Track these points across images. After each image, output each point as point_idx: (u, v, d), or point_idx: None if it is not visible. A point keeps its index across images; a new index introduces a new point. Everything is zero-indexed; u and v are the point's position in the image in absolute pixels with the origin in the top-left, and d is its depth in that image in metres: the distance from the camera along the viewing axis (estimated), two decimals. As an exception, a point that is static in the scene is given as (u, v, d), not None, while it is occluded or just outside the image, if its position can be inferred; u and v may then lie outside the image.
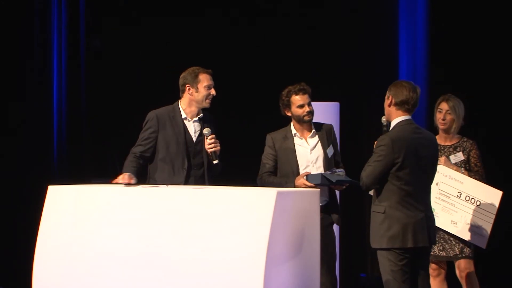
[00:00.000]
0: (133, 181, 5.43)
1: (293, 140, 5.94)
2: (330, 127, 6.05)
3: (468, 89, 7.35)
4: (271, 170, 5.93)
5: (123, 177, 5.42)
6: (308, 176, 5.72)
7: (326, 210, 5.88)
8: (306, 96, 5.90)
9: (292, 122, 5.99)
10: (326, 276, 5.76)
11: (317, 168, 5.90)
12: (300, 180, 5.72)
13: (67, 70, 8.36)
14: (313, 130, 5.97)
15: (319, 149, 5.94)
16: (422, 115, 6.56)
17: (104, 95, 8.35)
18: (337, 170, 5.82)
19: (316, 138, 5.96)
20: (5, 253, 7.79)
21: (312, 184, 5.68)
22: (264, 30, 8.34)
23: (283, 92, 5.95)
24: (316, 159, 5.92)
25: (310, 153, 5.93)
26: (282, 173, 5.91)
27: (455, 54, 7.59)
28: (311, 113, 5.91)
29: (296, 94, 5.89)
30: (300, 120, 5.92)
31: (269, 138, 6.01)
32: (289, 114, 5.96)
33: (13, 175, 7.93)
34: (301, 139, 5.95)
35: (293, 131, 5.97)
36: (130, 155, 5.74)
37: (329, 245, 5.86)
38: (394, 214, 5.15)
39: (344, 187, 5.86)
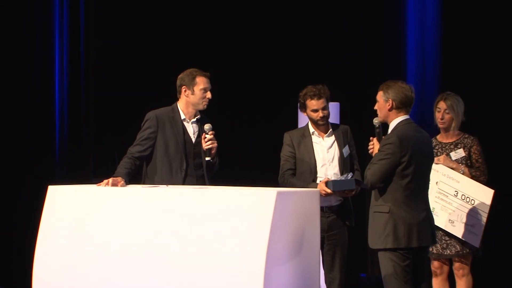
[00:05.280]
0: (119, 186, 5.43)
1: (311, 139, 5.98)
2: (346, 128, 6.09)
3: (478, 88, 7.37)
4: (292, 168, 5.96)
5: (107, 182, 5.42)
6: (328, 183, 5.74)
7: (340, 210, 5.91)
8: (321, 101, 5.90)
9: (309, 121, 6.03)
10: (336, 272, 5.88)
11: (334, 167, 5.93)
12: (321, 186, 5.73)
13: (68, 70, 8.36)
14: (330, 130, 6.01)
15: (335, 148, 5.97)
16: (431, 114, 6.55)
17: (105, 95, 8.35)
18: (349, 175, 5.83)
19: (333, 137, 6.00)
20: (5, 253, 7.79)
21: (331, 191, 5.70)
22: (265, 30, 8.34)
23: (300, 93, 5.97)
24: (333, 158, 5.94)
25: (327, 152, 5.96)
26: (299, 171, 5.94)
27: (465, 52, 7.60)
28: (325, 117, 5.94)
29: (311, 98, 5.90)
30: (315, 123, 5.96)
31: (287, 136, 6.04)
32: (305, 114, 6.00)
33: (13, 175, 7.93)
34: (319, 137, 5.98)
35: (311, 129, 6.00)
36: (126, 156, 5.74)
37: (343, 245, 5.91)
38: (399, 213, 5.15)
39: (353, 192, 5.86)
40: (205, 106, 5.82)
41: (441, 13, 7.86)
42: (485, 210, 6.11)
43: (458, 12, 7.68)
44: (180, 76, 5.85)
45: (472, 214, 6.11)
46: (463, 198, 6.14)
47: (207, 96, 5.80)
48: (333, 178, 5.87)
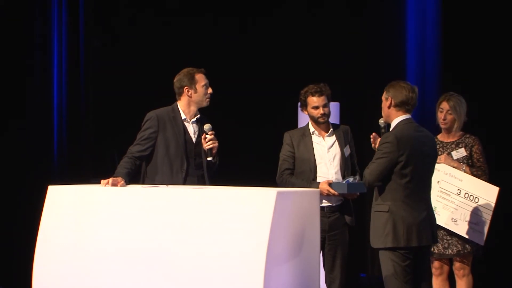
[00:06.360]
0: (119, 186, 5.43)
1: (311, 138, 5.98)
2: (347, 128, 6.10)
3: (478, 87, 7.37)
4: (291, 168, 5.96)
5: (108, 182, 5.42)
6: (333, 184, 5.75)
7: (341, 210, 5.92)
8: (322, 98, 5.91)
9: (309, 121, 6.02)
10: (336, 272, 5.88)
11: (335, 166, 5.93)
12: (325, 187, 5.74)
13: (67, 70, 8.36)
14: (331, 129, 6.01)
15: (336, 148, 5.98)
16: (431, 114, 6.56)
17: (104, 95, 8.35)
18: (357, 178, 5.84)
19: (334, 137, 6.00)
20: (5, 253, 7.79)
21: (335, 192, 5.71)
22: (264, 30, 8.34)
23: (301, 91, 5.99)
24: (334, 158, 5.95)
25: (328, 151, 5.96)
26: (299, 170, 5.94)
27: (465, 52, 7.60)
28: (325, 115, 5.94)
29: (313, 95, 5.91)
30: (315, 121, 5.96)
31: (287, 136, 6.04)
32: (306, 113, 6.00)
33: (13, 175, 7.93)
34: (319, 137, 5.99)
35: (311, 129, 6.00)
36: (126, 156, 5.74)
37: (343, 245, 5.92)
38: (399, 213, 5.15)
39: (358, 194, 5.88)
40: (209, 102, 5.85)
41: (441, 13, 7.86)
42: (489, 208, 6.11)
43: (458, 12, 7.68)
44: (177, 78, 5.86)
45: (476, 212, 6.11)
46: (466, 196, 6.14)
47: (209, 92, 5.83)
48: (333, 178, 5.88)
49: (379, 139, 5.41)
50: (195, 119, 5.88)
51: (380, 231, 5.18)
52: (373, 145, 5.49)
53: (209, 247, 4.84)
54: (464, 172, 6.20)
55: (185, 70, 5.87)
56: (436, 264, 6.29)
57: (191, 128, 5.87)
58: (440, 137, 6.38)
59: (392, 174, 5.17)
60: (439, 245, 6.15)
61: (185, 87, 5.82)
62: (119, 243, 5.12)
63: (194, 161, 5.81)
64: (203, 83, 5.83)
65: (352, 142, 6.09)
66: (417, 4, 8.02)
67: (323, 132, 6.01)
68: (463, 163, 6.23)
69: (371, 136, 5.52)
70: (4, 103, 8.01)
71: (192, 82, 5.81)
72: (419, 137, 5.26)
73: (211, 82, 5.88)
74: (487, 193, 6.12)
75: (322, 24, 8.23)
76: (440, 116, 6.33)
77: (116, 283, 5.10)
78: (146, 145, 5.78)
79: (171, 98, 5.93)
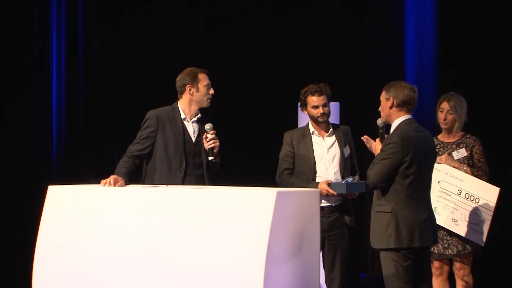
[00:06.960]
0: (118, 185, 5.42)
1: (311, 138, 5.98)
2: (347, 128, 6.11)
3: (478, 87, 7.37)
4: (291, 167, 5.98)
5: (109, 181, 5.42)
6: (332, 184, 5.75)
7: (340, 210, 5.92)
8: (322, 97, 5.92)
9: (309, 121, 6.02)
10: (336, 272, 5.89)
11: (334, 166, 5.94)
12: (324, 187, 5.74)
13: (66, 69, 8.36)
14: (331, 129, 6.02)
15: (336, 148, 5.98)
16: (430, 115, 6.56)
17: (103, 95, 8.34)
18: (356, 178, 5.84)
19: (334, 137, 6.01)
20: (5, 253, 7.79)
21: (334, 192, 5.71)
22: (265, 30, 8.34)
23: (301, 91, 6.00)
24: (333, 158, 5.95)
25: (327, 151, 5.96)
26: (299, 170, 5.95)
27: (464, 52, 7.60)
28: (325, 114, 5.95)
29: (312, 94, 5.93)
30: (315, 121, 5.96)
31: (287, 135, 6.05)
32: (306, 112, 6.01)
33: (13, 175, 7.92)
34: (319, 137, 5.99)
35: (311, 129, 6.01)
36: (125, 155, 5.75)
37: (343, 245, 5.92)
38: (402, 213, 5.15)
39: (358, 194, 5.89)
40: (209, 103, 5.85)
41: (439, 13, 7.87)
42: (490, 208, 6.11)
43: (456, 12, 7.68)
44: (180, 76, 5.87)
45: (477, 212, 6.11)
46: (467, 196, 6.14)
47: (210, 92, 5.83)
48: (333, 178, 5.88)
49: (373, 142, 5.42)
50: (195, 118, 5.88)
51: (382, 231, 5.18)
52: (367, 145, 5.49)
53: (209, 247, 4.84)
54: (465, 172, 6.20)
55: (188, 69, 5.88)
56: (436, 264, 6.29)
57: (191, 128, 5.87)
58: (441, 137, 6.38)
59: (396, 175, 5.17)
60: (439, 245, 6.15)
61: (187, 85, 5.83)
62: (119, 243, 5.12)
63: (193, 161, 5.81)
64: (205, 83, 5.84)
65: (352, 142, 6.09)
66: (416, 4, 8.02)
67: (323, 132, 6.01)
68: (464, 163, 6.24)
69: (364, 138, 5.51)
70: (3, 103, 8.00)
71: (194, 81, 5.82)
72: (420, 138, 5.26)
73: (212, 81, 5.88)
74: (488, 194, 6.12)
75: (322, 24, 8.22)
76: (441, 116, 6.33)
77: (116, 283, 5.10)
78: (145, 144, 5.79)
79: (171, 98, 5.93)
